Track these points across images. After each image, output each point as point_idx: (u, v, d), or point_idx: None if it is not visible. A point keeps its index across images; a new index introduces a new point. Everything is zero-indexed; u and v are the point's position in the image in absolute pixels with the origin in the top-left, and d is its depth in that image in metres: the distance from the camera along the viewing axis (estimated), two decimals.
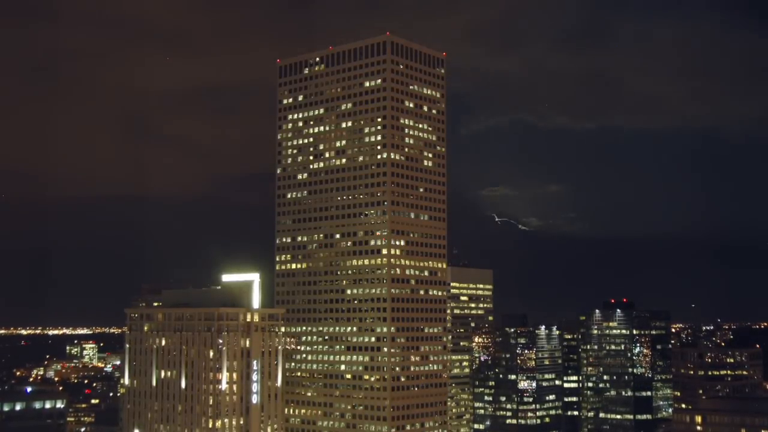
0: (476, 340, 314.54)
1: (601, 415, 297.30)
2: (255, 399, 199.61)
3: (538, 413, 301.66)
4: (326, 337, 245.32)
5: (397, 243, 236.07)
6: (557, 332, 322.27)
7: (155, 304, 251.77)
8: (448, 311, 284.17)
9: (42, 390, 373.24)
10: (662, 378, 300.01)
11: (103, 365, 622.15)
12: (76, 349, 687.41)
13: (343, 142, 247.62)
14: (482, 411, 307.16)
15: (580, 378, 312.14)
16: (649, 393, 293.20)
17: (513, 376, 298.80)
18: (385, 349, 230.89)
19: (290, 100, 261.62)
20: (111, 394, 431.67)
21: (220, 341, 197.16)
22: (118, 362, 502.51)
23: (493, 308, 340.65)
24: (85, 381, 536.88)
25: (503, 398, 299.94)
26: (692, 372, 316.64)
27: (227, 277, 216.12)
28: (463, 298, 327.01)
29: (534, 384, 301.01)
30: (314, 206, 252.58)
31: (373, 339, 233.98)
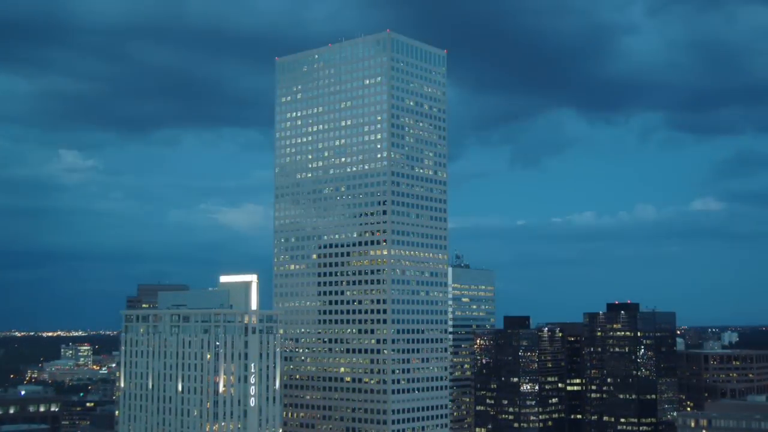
0: (478, 342, 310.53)
1: (605, 418, 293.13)
2: (253, 402, 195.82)
3: (540, 416, 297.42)
4: (325, 339, 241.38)
5: (398, 244, 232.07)
6: (560, 334, 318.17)
7: (145, 305, 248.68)
8: (449, 313, 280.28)
9: (36, 393, 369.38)
10: (667, 381, 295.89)
11: (98, 368, 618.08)
12: (70, 352, 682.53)
13: (343, 140, 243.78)
14: (484, 414, 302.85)
15: (584, 381, 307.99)
16: (653, 396, 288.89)
17: (515, 379, 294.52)
18: (386, 351, 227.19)
19: (288, 98, 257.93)
20: (106, 398, 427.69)
21: (218, 343, 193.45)
22: (113, 365, 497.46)
23: (495, 310, 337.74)
24: (80, 384, 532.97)
25: (505, 401, 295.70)
26: (698, 375, 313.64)
27: (225, 278, 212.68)
28: (464, 299, 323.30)
29: (536, 387, 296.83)
30: (313, 206, 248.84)
31: (373, 341, 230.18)
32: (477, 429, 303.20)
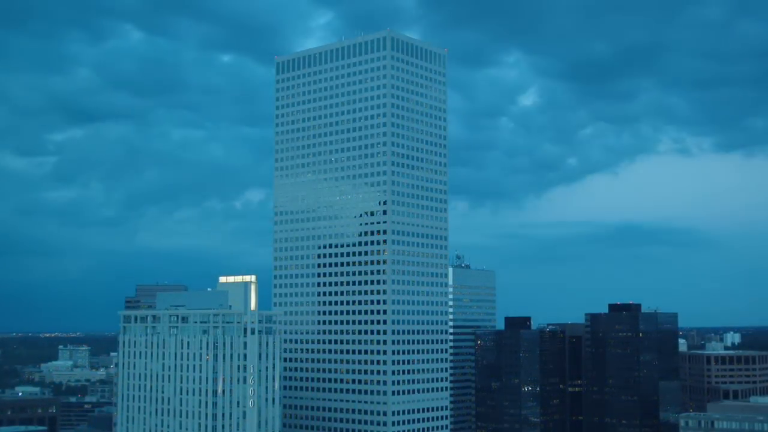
0: (478, 343, 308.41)
1: (606, 419, 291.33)
2: (252, 403, 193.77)
3: (541, 418, 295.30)
4: (325, 340, 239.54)
5: (398, 243, 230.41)
6: (561, 335, 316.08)
7: (143, 306, 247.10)
8: (450, 314, 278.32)
9: (34, 395, 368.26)
10: (669, 382, 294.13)
11: (96, 369, 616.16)
12: (68, 353, 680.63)
13: (342, 140, 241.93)
14: (485, 415, 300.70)
15: (585, 382, 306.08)
16: (655, 397, 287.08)
17: (516, 380, 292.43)
18: (386, 352, 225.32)
19: (288, 97, 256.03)
20: (104, 399, 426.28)
21: (217, 344, 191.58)
22: (111, 366, 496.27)
23: (496, 310, 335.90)
24: (78, 385, 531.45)
25: (506, 402, 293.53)
26: (700, 376, 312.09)
27: (224, 279, 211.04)
28: (465, 300, 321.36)
29: (537, 388, 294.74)
30: (313, 206, 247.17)
31: (373, 342, 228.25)
32: (477, 430, 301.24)
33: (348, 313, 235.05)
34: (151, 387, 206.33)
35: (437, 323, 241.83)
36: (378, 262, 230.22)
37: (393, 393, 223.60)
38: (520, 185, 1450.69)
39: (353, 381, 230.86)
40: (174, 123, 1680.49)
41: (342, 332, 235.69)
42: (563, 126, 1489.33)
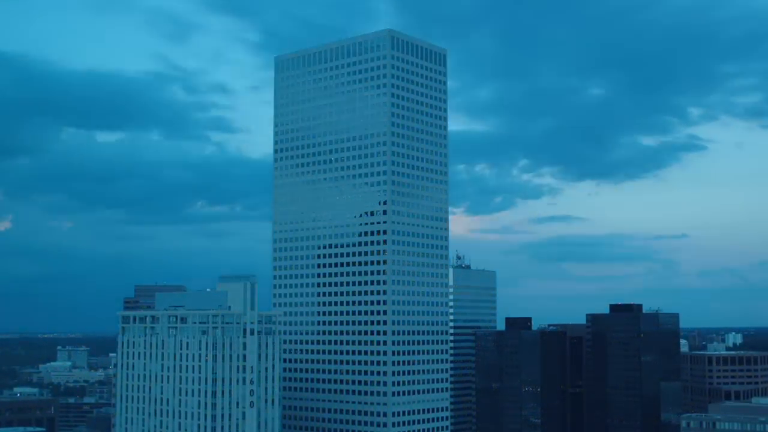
0: (479, 343, 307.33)
1: (608, 420, 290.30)
2: (251, 404, 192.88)
3: (542, 419, 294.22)
4: (325, 341, 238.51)
5: (398, 244, 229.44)
6: (562, 335, 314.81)
7: (142, 307, 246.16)
8: (450, 314, 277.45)
9: (33, 395, 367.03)
10: (670, 383, 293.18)
11: (95, 370, 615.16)
12: (67, 353, 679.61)
13: (342, 139, 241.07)
14: (485, 416, 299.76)
15: (586, 383, 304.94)
16: (657, 398, 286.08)
17: (517, 381, 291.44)
18: (386, 353, 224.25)
19: (288, 96, 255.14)
20: (103, 400, 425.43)
21: (216, 344, 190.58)
22: (110, 367, 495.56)
23: (496, 311, 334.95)
24: (77, 386, 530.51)
25: (507, 403, 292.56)
26: (701, 377, 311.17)
27: (223, 279, 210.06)
28: (465, 300, 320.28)
29: (538, 389, 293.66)
30: (313, 206, 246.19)
31: (373, 342, 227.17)
32: (478, 431, 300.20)
33: (348, 313, 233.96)
34: (150, 388, 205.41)
35: (437, 324, 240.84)
36: (378, 262, 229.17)
37: (393, 394, 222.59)
38: (535, 184, 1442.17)
39: (353, 382, 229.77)
40: (199, 125, 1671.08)
41: (342, 332, 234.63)
42: (593, 123, 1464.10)
